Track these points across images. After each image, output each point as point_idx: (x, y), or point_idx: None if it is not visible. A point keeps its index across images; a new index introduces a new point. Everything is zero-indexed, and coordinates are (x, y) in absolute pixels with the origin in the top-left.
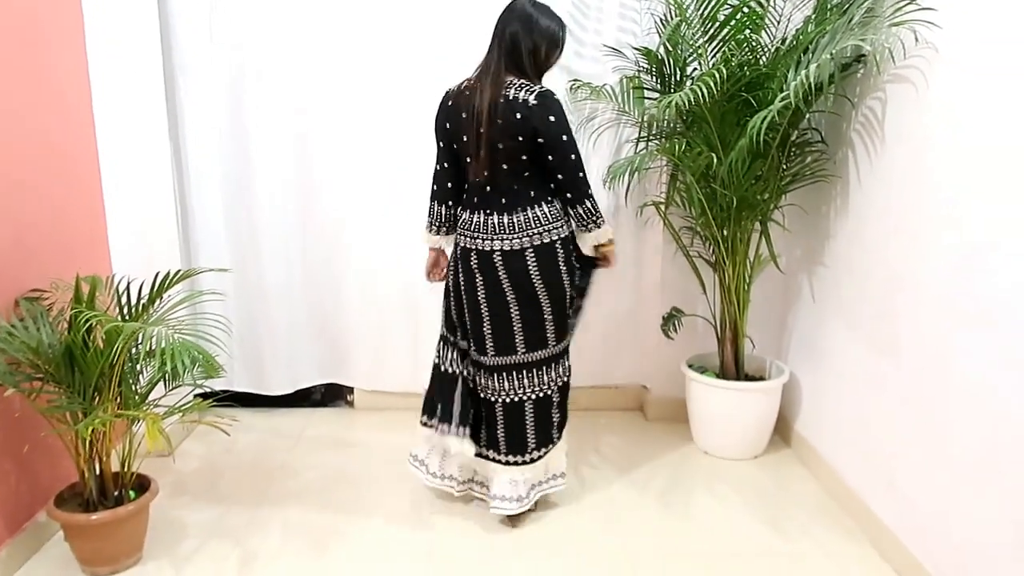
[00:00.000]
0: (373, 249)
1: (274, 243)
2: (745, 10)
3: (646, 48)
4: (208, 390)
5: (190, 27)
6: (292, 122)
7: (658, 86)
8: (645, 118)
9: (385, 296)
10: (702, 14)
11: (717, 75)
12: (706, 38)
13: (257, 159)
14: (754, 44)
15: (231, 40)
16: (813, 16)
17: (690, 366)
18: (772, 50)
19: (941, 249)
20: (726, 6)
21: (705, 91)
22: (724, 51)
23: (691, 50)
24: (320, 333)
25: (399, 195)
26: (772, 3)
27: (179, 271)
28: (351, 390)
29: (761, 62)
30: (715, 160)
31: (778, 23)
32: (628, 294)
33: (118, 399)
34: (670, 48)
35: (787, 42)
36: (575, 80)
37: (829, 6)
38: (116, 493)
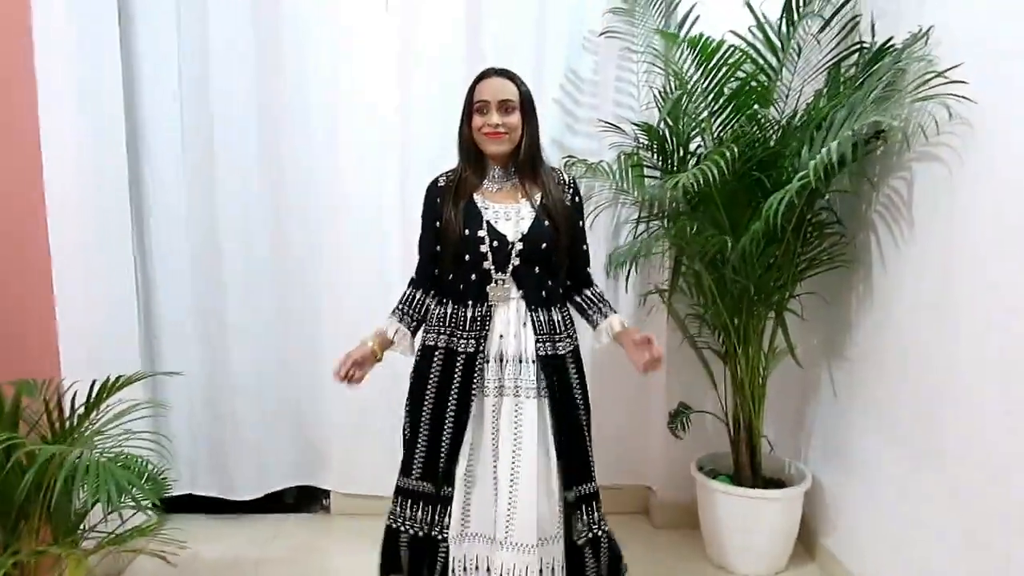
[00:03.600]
0: (353, 338)
1: (245, 331)
2: (753, 83)
3: (646, 124)
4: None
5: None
6: (265, 199)
7: (659, 163)
8: (646, 198)
9: (367, 388)
10: (706, 88)
11: (728, 153)
12: (710, 112)
13: (227, 242)
14: (763, 120)
15: (199, 111)
16: (825, 90)
17: (700, 469)
18: (781, 126)
19: (990, 344)
20: (733, 79)
21: (715, 170)
22: (734, 127)
23: (694, 125)
24: (293, 430)
25: (380, 279)
26: (779, 77)
27: (119, 378)
28: (327, 493)
29: (771, 139)
30: (727, 244)
31: (786, 97)
32: (630, 387)
33: (51, 527)
34: (671, 123)
35: (798, 117)
36: (569, 156)
37: (842, 79)
38: None
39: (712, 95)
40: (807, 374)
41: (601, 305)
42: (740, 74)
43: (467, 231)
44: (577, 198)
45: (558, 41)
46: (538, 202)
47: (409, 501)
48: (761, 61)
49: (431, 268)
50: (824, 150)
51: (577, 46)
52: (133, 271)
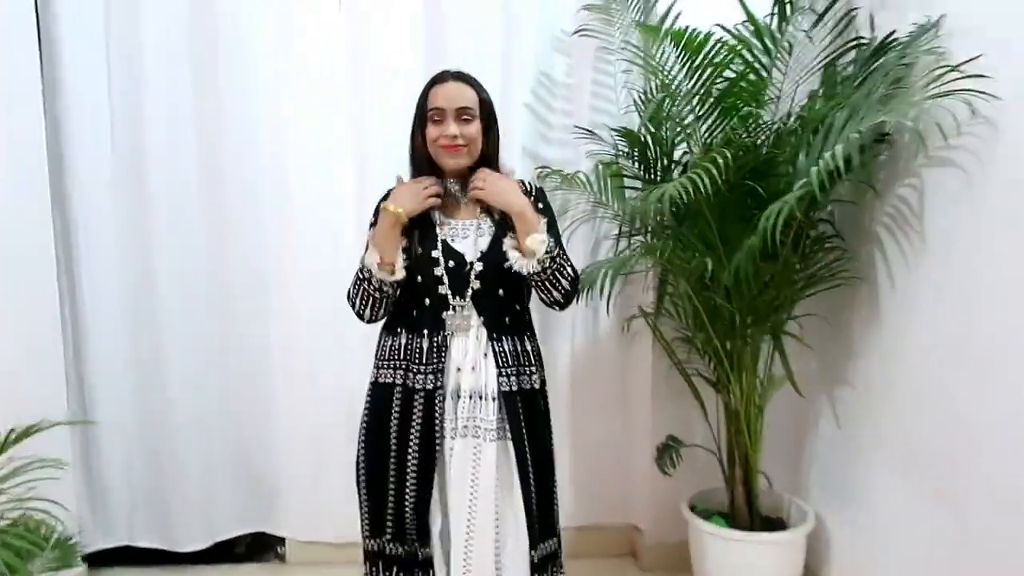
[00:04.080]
0: (306, 371)
1: (185, 366)
2: (743, 84)
3: (625, 129)
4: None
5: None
6: (206, 222)
7: (642, 173)
8: (627, 211)
9: (323, 422)
10: (691, 88)
11: (719, 159)
12: (696, 116)
13: (163, 269)
14: (755, 123)
15: (131, 127)
16: (820, 90)
17: (693, 508)
18: (774, 131)
19: (1017, 375)
20: (720, 78)
21: (706, 179)
22: (725, 131)
23: (679, 130)
24: (242, 471)
25: (335, 304)
26: (770, 77)
27: (11, 432)
28: (282, 541)
29: (764, 145)
30: (720, 263)
31: (777, 100)
32: (614, 418)
33: None
34: (653, 129)
35: (792, 120)
36: (543, 167)
37: (839, 78)
38: None
39: (698, 97)
40: (807, 403)
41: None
42: (728, 73)
43: (419, 250)
44: (540, 204)
45: (527, 41)
46: (499, 214)
47: (383, 565)
48: (750, 58)
49: None
50: (828, 155)
51: (548, 46)
52: (58, 306)
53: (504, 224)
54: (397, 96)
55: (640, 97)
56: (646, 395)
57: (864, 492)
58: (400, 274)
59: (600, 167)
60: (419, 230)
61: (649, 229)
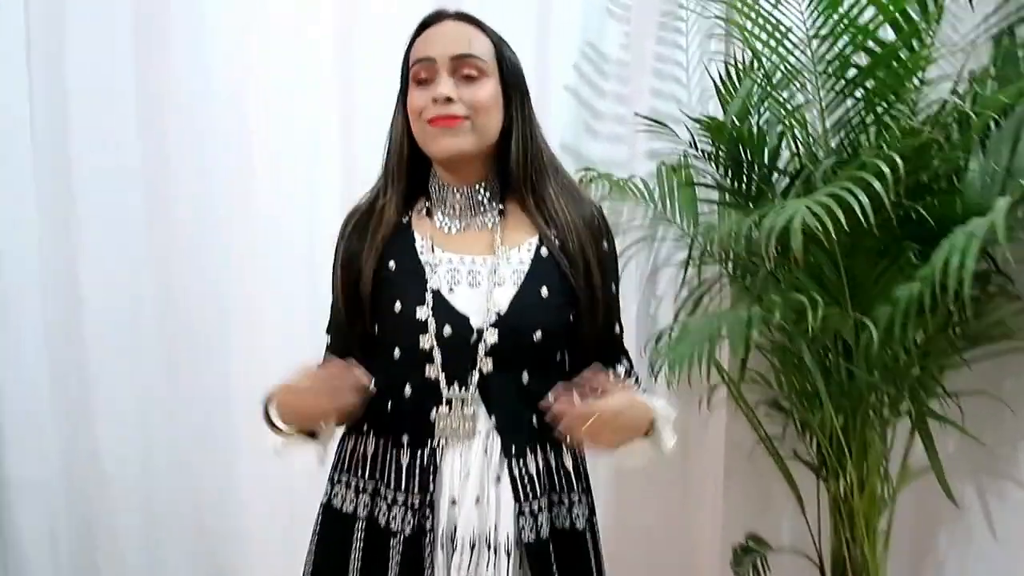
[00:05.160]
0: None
1: (121, 418)
2: (894, 61)
3: (709, 118)
4: None
5: None
6: (150, 235)
7: (727, 179)
8: (708, 235)
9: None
10: (819, 63)
11: (886, 169)
12: (824, 105)
13: (94, 297)
14: (923, 121)
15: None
16: (993, 70)
17: None
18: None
19: None
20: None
21: (864, 199)
22: (891, 125)
23: (792, 123)
24: (192, 545)
25: (311, 339)
26: (929, 52)
27: None
28: None
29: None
30: (841, 317)
31: (919, 84)
32: (672, 503)
33: None
34: (751, 121)
35: (947, 110)
36: (587, 169)
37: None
38: None
39: (833, 75)
40: (949, 504)
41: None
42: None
43: (397, 306)
44: (606, 244)
45: (570, 4)
46: (534, 248)
47: None
48: (905, 25)
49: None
50: None
51: (597, 9)
52: None
53: (549, 261)
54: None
55: (724, 75)
56: (717, 476)
57: None
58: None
59: (664, 170)
60: (395, 264)
61: (732, 258)
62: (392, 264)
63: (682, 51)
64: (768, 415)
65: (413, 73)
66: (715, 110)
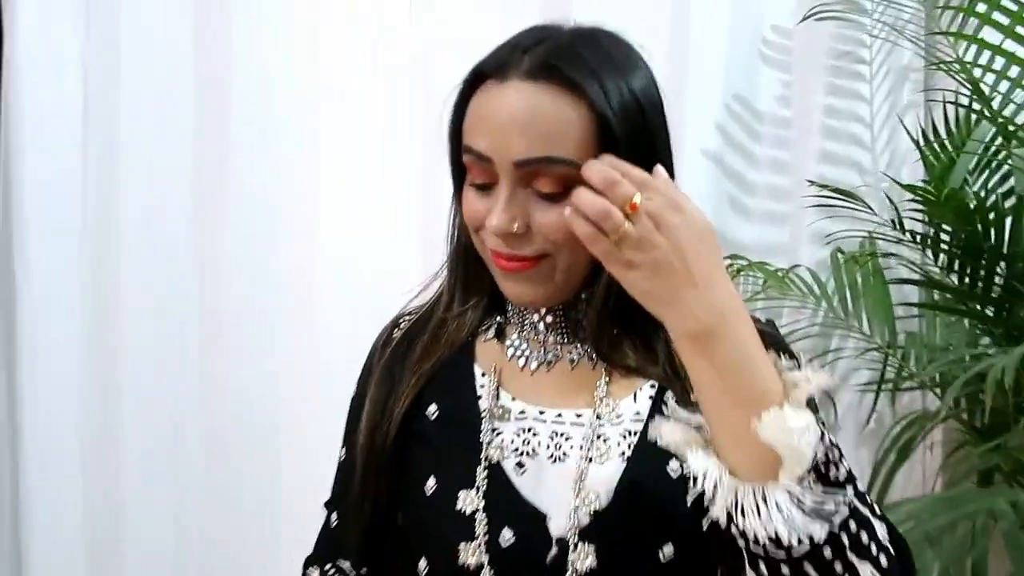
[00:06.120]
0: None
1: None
2: None
3: (918, 186)
4: None
5: None
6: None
7: (950, 278)
8: (917, 350)
9: None
10: None
11: None
12: None
13: (126, 348)
14: None
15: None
16: None
17: None
18: None
19: None
20: None
21: None
22: None
23: None
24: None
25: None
26: None
27: None
28: None
29: None
30: None
31: None
32: None
33: None
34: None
35: None
36: (735, 257)
37: None
38: None
39: None
40: None
41: None
42: None
43: (430, 484)
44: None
45: (710, 46)
46: (655, 394)
47: None
48: None
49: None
50: None
51: (748, 54)
52: None
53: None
54: None
55: (930, 132)
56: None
57: None
58: None
59: (841, 258)
60: (438, 409)
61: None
62: (433, 410)
63: (864, 103)
64: None
65: (466, 163)
66: (909, 178)
